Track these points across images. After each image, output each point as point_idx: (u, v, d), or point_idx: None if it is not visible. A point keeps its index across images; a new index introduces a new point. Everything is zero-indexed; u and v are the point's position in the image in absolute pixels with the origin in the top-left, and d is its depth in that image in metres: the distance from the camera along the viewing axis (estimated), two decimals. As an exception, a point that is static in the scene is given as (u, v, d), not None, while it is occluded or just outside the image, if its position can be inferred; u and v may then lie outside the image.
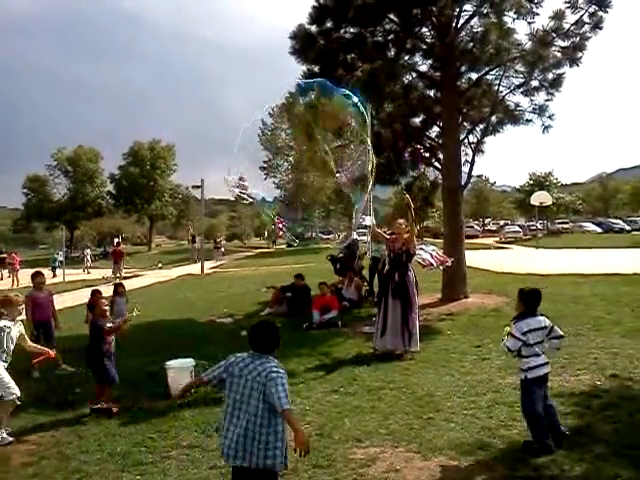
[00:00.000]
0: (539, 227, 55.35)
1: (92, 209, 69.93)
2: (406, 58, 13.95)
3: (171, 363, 7.56)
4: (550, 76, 13.34)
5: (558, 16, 12.45)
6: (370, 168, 9.01)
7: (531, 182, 64.60)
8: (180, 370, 7.42)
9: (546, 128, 14.02)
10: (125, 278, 27.82)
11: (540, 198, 42.11)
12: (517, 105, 14.02)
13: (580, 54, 12.84)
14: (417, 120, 14.72)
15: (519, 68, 13.20)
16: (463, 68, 13.55)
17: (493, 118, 13.95)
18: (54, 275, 31.63)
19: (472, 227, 64.22)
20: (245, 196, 9.54)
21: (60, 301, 13.44)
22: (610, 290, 13.34)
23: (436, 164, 14.28)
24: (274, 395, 3.57)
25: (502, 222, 77.66)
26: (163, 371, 7.51)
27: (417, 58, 13.96)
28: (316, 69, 13.72)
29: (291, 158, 53.91)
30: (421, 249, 10.51)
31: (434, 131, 14.69)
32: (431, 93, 14.43)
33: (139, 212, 71.51)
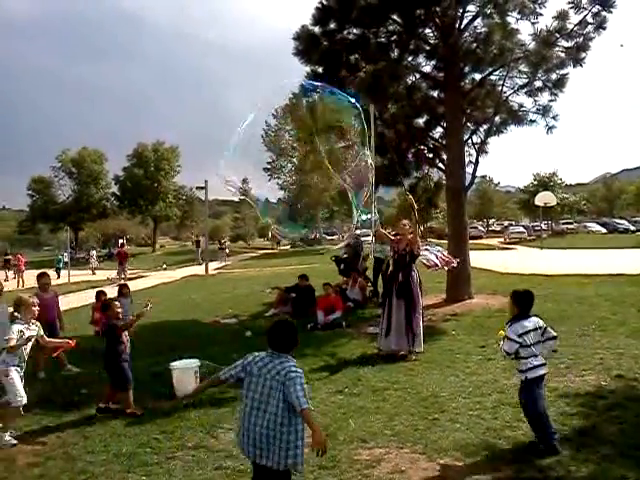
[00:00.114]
0: (543, 227, 55.28)
1: (96, 210, 70.25)
2: (409, 59, 13.95)
3: (176, 364, 7.57)
4: (554, 76, 13.32)
5: (562, 16, 12.42)
6: (370, 177, 9.02)
7: (535, 183, 64.59)
8: (185, 371, 7.43)
9: (550, 129, 14.00)
10: (129, 279, 27.91)
11: (544, 199, 42.04)
12: (521, 105, 14.01)
13: (584, 54, 12.81)
14: (421, 121, 14.71)
15: (523, 68, 13.19)
16: (467, 69, 13.55)
17: (497, 119, 13.93)
18: (58, 276, 31.72)
19: (476, 228, 64.19)
20: (243, 197, 9.53)
21: (65, 302, 13.49)
22: (615, 290, 13.31)
23: (440, 165, 14.27)
24: (293, 394, 3.59)
25: (506, 223, 77.56)
26: (168, 372, 7.52)
27: (420, 59, 13.97)
28: (320, 70, 13.74)
29: (295, 159, 53.99)
30: (426, 249, 10.50)
31: (438, 132, 14.69)
32: (435, 94, 14.42)
33: (143, 213, 71.83)
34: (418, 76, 14.30)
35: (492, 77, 13.71)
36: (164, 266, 38.80)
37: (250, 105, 8.54)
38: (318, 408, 6.55)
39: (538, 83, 13.49)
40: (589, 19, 12.43)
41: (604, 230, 58.22)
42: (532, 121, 14.07)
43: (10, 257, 38.14)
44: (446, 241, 14.95)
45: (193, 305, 16.83)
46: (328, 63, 13.45)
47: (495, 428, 5.58)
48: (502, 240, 57.20)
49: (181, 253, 59.01)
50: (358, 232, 15.00)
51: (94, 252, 43.69)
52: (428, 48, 13.49)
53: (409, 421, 5.99)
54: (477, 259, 17.34)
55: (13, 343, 6.11)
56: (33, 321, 6.43)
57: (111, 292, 12.72)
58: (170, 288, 24.06)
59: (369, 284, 14.37)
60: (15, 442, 6.02)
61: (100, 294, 11.41)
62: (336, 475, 4.86)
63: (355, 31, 13.40)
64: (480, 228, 70.13)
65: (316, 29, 13.38)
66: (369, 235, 15.59)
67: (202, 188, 35.03)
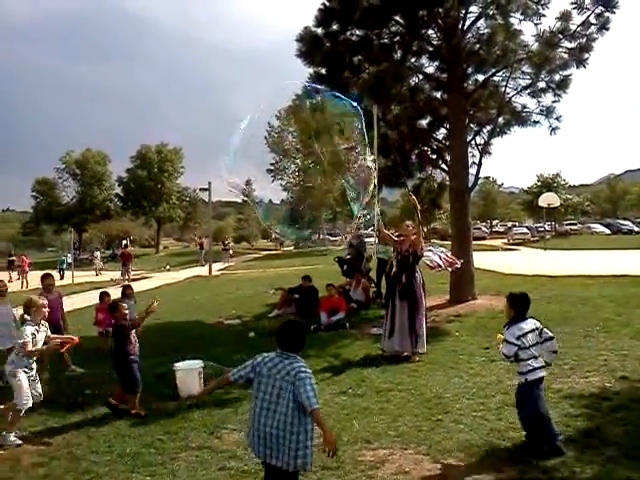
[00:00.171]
0: (547, 229, 55.19)
1: (100, 212, 70.41)
2: (412, 60, 13.96)
3: (179, 364, 7.59)
4: (557, 77, 13.30)
5: (564, 17, 12.40)
6: (372, 187, 9.02)
7: (539, 184, 64.44)
8: (188, 371, 7.46)
9: (553, 129, 13.97)
10: (133, 280, 27.95)
11: (548, 199, 41.99)
12: (524, 106, 13.99)
13: (587, 55, 12.79)
14: (424, 122, 14.70)
15: (526, 69, 13.17)
16: (470, 70, 13.54)
17: (500, 120, 13.92)
18: (62, 277, 31.79)
19: (479, 229, 64.13)
20: (245, 198, 9.52)
21: (69, 303, 13.49)
22: (619, 291, 13.28)
23: (443, 166, 14.26)
24: (303, 395, 3.62)
25: (510, 224, 77.50)
26: (172, 372, 7.55)
27: (423, 60, 13.97)
28: (323, 71, 13.76)
29: (298, 160, 53.99)
30: (430, 251, 10.51)
31: (441, 133, 14.69)
32: (438, 95, 14.43)
33: (147, 215, 71.99)
34: (421, 77, 14.30)
35: (495, 78, 13.72)
36: (167, 267, 38.82)
37: (253, 107, 8.53)
38: (322, 409, 6.55)
39: (541, 84, 13.48)
40: (592, 20, 12.41)
41: (608, 231, 58.12)
42: (535, 122, 14.06)
43: (14, 258, 38.23)
44: (449, 242, 14.94)
45: (197, 306, 16.85)
46: (331, 64, 13.46)
47: (499, 429, 5.58)
48: (506, 241, 57.16)
49: (184, 254, 59.06)
50: (362, 232, 14.99)
51: (98, 253, 43.75)
52: (431, 49, 13.49)
53: (413, 422, 5.99)
54: (480, 260, 17.31)
55: (30, 348, 6.16)
56: (42, 322, 6.46)
57: (115, 293, 12.73)
58: (174, 289, 24.09)
59: (372, 285, 14.38)
60: (20, 442, 6.04)
61: (104, 295, 11.42)
62: (340, 476, 4.86)
63: (358, 32, 13.41)
64: (483, 229, 70.07)
65: (319, 30, 13.40)
66: (372, 236, 15.60)
67: (206, 189, 35.10)
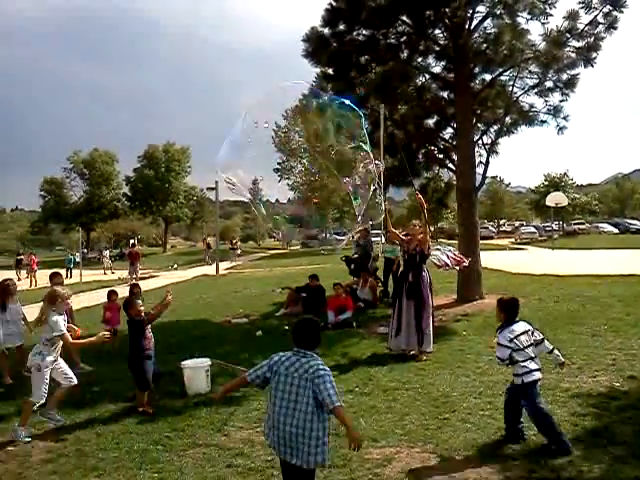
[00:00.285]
0: (555, 228, 54.98)
1: (108, 211, 70.71)
2: (419, 60, 13.97)
3: (187, 362, 7.63)
4: (564, 77, 13.26)
5: (572, 16, 12.36)
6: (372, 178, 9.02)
7: (546, 183, 64.23)
8: (196, 369, 7.50)
9: (561, 129, 13.93)
10: (141, 279, 28.03)
11: (556, 199, 41.81)
12: (531, 106, 13.97)
13: (595, 54, 12.74)
14: (431, 121, 14.70)
15: (533, 69, 13.15)
16: (477, 69, 13.53)
17: (507, 119, 13.90)
18: (69, 276, 31.91)
19: (487, 228, 64.03)
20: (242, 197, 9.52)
21: (76, 301, 13.56)
22: (627, 291, 13.22)
23: (450, 165, 14.25)
24: (324, 392, 3.63)
25: (517, 223, 77.32)
26: (179, 370, 7.58)
27: (430, 60, 13.97)
28: (330, 71, 13.78)
29: (305, 160, 53.96)
30: (437, 249, 10.50)
31: (448, 132, 14.69)
32: (445, 94, 14.42)
33: (154, 214, 72.26)
34: (428, 77, 14.31)
35: (502, 78, 13.70)
36: (175, 266, 38.91)
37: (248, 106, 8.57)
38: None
39: (549, 83, 13.45)
40: (600, 19, 12.37)
41: (616, 230, 57.88)
42: (543, 121, 14.03)
43: (22, 257, 38.45)
44: (457, 241, 14.92)
45: (204, 305, 16.89)
46: (338, 64, 13.48)
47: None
48: (513, 240, 57.02)
49: (192, 253, 59.22)
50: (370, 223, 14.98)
51: (107, 252, 43.90)
52: (438, 49, 13.48)
53: (420, 421, 6.00)
54: (488, 259, 17.28)
55: (70, 339, 6.39)
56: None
57: (122, 292, 12.78)
58: (181, 288, 24.12)
59: (379, 284, 14.38)
60: (29, 439, 6.09)
61: (111, 294, 11.46)
62: (347, 474, 4.87)
63: (365, 32, 13.41)
64: (491, 228, 70.02)
65: (326, 30, 13.40)
66: (379, 235, 15.61)
67: (213, 189, 35.13)
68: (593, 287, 14.24)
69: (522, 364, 5.15)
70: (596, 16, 12.33)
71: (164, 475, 5.10)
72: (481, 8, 12.92)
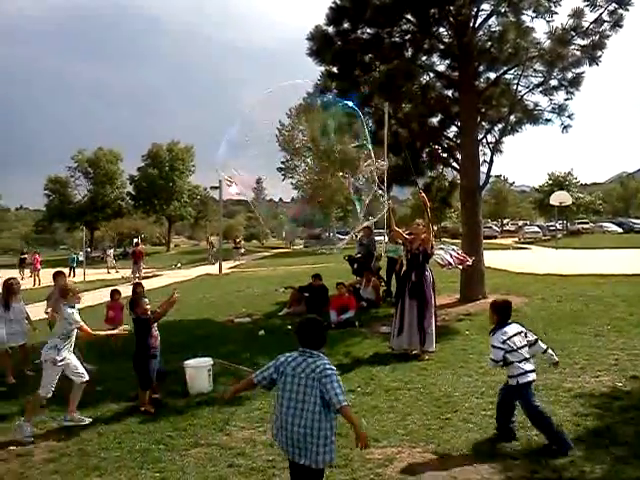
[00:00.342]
0: (559, 227, 54.85)
1: (112, 210, 70.78)
2: (423, 58, 13.92)
3: (189, 362, 7.64)
4: (569, 75, 13.20)
5: (577, 14, 12.32)
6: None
7: (550, 182, 64.13)
8: (198, 369, 7.51)
9: (565, 128, 13.87)
10: (144, 278, 28.05)
11: (559, 198, 41.63)
12: (536, 104, 13.90)
13: (600, 53, 12.67)
14: (435, 120, 14.66)
15: (538, 67, 13.09)
16: (481, 68, 13.48)
17: (512, 118, 13.85)
18: (72, 275, 31.99)
19: (490, 227, 63.92)
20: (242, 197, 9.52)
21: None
22: (631, 291, 13.18)
23: (454, 164, 14.22)
24: (331, 392, 3.65)
25: (521, 222, 77.17)
26: (181, 370, 7.59)
27: (435, 58, 13.91)
28: (334, 70, 13.76)
29: (309, 159, 53.91)
30: (441, 249, 10.48)
31: (452, 131, 14.64)
32: (449, 93, 14.37)
33: (158, 213, 72.33)
34: (432, 75, 14.26)
35: (507, 76, 13.63)
36: (178, 265, 38.94)
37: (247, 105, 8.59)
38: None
39: (553, 82, 13.38)
40: (605, 17, 12.32)
41: (620, 230, 57.74)
42: (547, 120, 13.97)
43: (26, 256, 38.55)
44: (460, 240, 14.89)
45: (207, 304, 16.89)
46: (342, 63, 13.46)
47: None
48: (517, 240, 56.91)
49: (195, 252, 59.29)
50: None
51: (112, 251, 43.97)
52: (442, 47, 13.44)
53: (422, 421, 5.99)
54: (491, 259, 17.27)
55: (89, 330, 6.58)
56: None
57: (126, 291, 12.80)
58: (184, 287, 24.11)
59: (382, 284, 14.36)
60: (32, 439, 6.10)
61: (114, 293, 11.48)
62: (348, 474, 4.87)
63: (369, 31, 13.38)
64: (494, 228, 69.86)
65: (330, 29, 13.38)
66: (382, 235, 15.58)
67: (216, 188, 35.15)
68: (597, 287, 14.19)
69: (517, 365, 5.20)
70: (601, 14, 12.28)
71: (166, 475, 5.11)
72: (486, 6, 12.88)
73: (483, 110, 13.95)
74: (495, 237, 60.08)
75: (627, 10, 12.20)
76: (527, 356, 5.25)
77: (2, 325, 8.85)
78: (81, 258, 35.52)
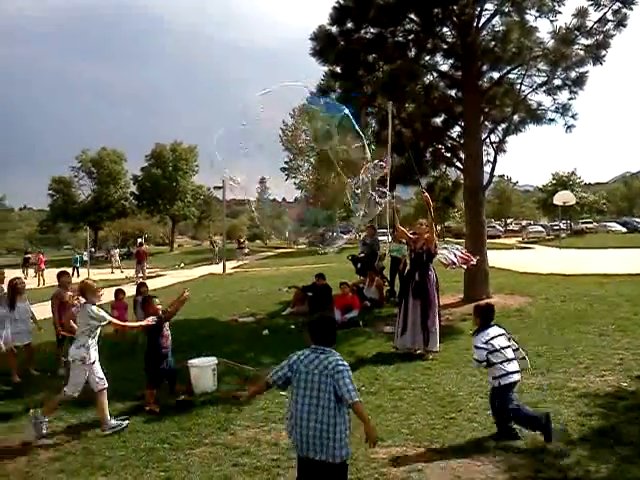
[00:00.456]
0: (562, 227, 54.74)
1: (115, 210, 70.98)
2: (427, 58, 13.92)
3: (194, 361, 7.65)
4: (573, 75, 13.17)
5: (581, 14, 12.29)
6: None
7: (554, 182, 63.95)
8: (202, 368, 7.52)
9: (569, 127, 13.82)
10: (148, 278, 28.09)
11: (563, 198, 41.60)
12: (539, 104, 13.87)
13: (604, 52, 12.65)
14: (438, 120, 14.65)
15: (541, 67, 13.07)
16: (485, 67, 13.46)
17: (515, 117, 13.83)
18: (75, 274, 32.01)
19: (494, 227, 63.85)
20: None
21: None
22: (635, 290, 13.14)
23: (458, 164, 14.21)
24: (343, 388, 3.70)
25: (524, 222, 77.04)
26: (186, 369, 7.59)
27: (438, 58, 13.91)
28: (337, 70, 13.76)
29: (312, 159, 53.90)
30: (445, 248, 10.48)
31: (455, 131, 14.62)
32: (452, 93, 14.37)
33: (161, 213, 72.40)
34: (436, 75, 14.26)
35: (510, 76, 13.61)
36: (182, 265, 38.98)
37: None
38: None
39: (557, 81, 13.36)
40: (609, 16, 12.29)
41: (624, 229, 57.61)
42: (551, 120, 13.93)
43: (30, 256, 38.65)
44: (463, 240, 14.87)
45: (210, 303, 16.91)
46: (345, 63, 13.46)
47: (513, 428, 5.55)
48: (520, 239, 56.84)
49: (198, 252, 59.33)
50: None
51: (117, 251, 44.02)
52: (446, 47, 13.44)
53: (426, 420, 5.99)
54: (495, 258, 17.24)
55: (120, 323, 6.83)
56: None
57: (129, 291, 12.84)
58: (188, 287, 24.16)
59: (386, 283, 14.36)
60: (46, 432, 6.14)
61: (119, 292, 11.52)
62: (352, 473, 4.85)
63: (372, 30, 13.38)
64: (498, 227, 69.79)
65: (333, 29, 13.38)
66: (386, 234, 15.59)
67: (220, 188, 35.16)
68: (601, 286, 14.16)
69: (499, 366, 5.36)
70: (605, 13, 12.25)
71: (170, 474, 5.12)
72: (489, 6, 12.87)
73: (487, 110, 13.93)
74: (499, 237, 60.07)
75: (631, 9, 12.18)
76: (510, 357, 5.42)
77: (8, 324, 8.89)
78: (85, 258, 35.61)
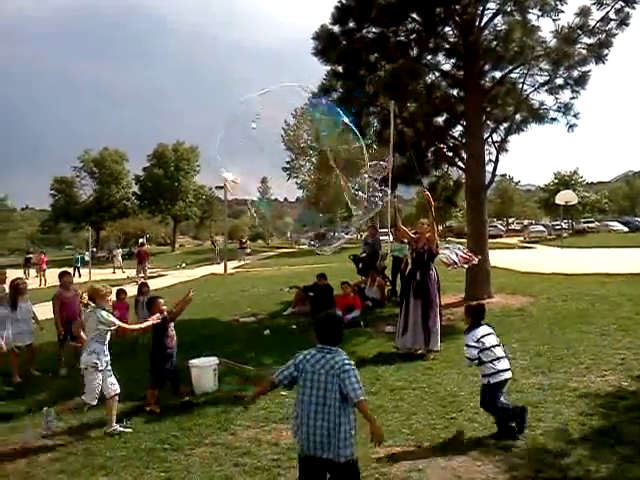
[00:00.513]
0: (564, 226, 54.68)
1: (117, 210, 71.00)
2: (429, 57, 13.90)
3: (195, 361, 7.65)
4: (575, 74, 13.15)
5: (583, 13, 12.29)
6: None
7: (556, 181, 63.88)
8: (203, 368, 7.52)
9: (571, 127, 13.80)
10: (149, 278, 28.10)
11: (565, 197, 41.60)
12: (542, 103, 13.84)
13: (606, 51, 12.64)
14: (440, 119, 14.62)
15: (544, 66, 13.04)
16: (487, 67, 13.44)
17: (517, 117, 13.81)
18: (78, 275, 32.05)
19: (495, 227, 63.76)
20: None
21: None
22: (637, 290, 13.11)
23: (459, 163, 14.19)
24: (349, 387, 3.71)
25: (526, 222, 76.96)
26: (187, 369, 7.59)
27: (440, 57, 13.89)
28: (339, 69, 13.75)
29: (314, 159, 53.89)
30: (446, 248, 10.47)
31: (457, 130, 14.60)
32: (454, 92, 14.34)
33: (163, 213, 72.39)
34: (437, 74, 14.23)
35: (513, 75, 13.60)
36: (184, 265, 38.99)
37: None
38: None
39: (559, 81, 13.33)
40: (612, 15, 12.28)
41: (626, 229, 57.49)
42: (553, 119, 13.90)
43: (31, 256, 38.68)
44: (465, 240, 14.86)
45: (212, 303, 16.91)
46: (347, 62, 13.45)
47: (513, 427, 5.54)
48: (522, 239, 56.78)
49: (200, 252, 59.33)
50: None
51: (120, 251, 44.02)
52: (448, 46, 13.41)
53: (427, 420, 5.98)
54: (496, 258, 17.22)
55: (128, 326, 6.76)
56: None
57: (131, 291, 12.85)
58: (189, 287, 24.17)
59: (387, 283, 14.35)
60: (54, 430, 6.17)
61: (120, 292, 11.51)
62: (353, 473, 4.86)
63: (374, 30, 13.37)
64: (500, 227, 69.72)
65: (335, 28, 13.37)
66: (387, 234, 15.58)
67: (221, 188, 35.17)
68: (602, 286, 14.15)
69: (489, 365, 5.45)
70: (608, 12, 12.25)
71: (171, 474, 5.12)
72: (491, 5, 12.86)
73: (488, 109, 13.91)
74: (500, 236, 60.00)
75: (634, 8, 12.17)
76: (500, 355, 5.51)
77: (9, 325, 8.90)
78: (87, 258, 35.62)
